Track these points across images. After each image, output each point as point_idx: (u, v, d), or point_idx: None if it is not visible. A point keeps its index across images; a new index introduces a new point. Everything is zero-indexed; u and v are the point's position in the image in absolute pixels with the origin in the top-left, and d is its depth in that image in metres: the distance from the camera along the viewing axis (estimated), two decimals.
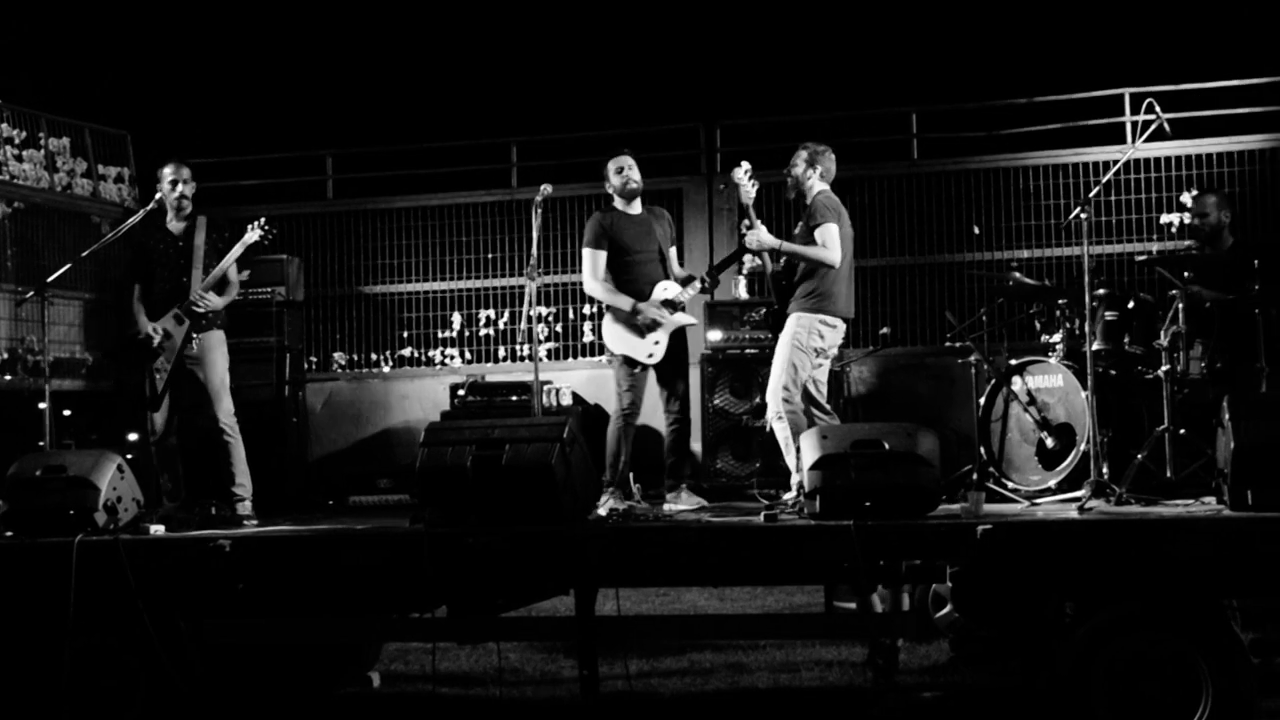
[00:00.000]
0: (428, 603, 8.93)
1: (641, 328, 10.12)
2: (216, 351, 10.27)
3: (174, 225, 10.37)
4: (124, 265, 10.83)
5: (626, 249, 10.24)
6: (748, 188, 9.96)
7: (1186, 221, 12.74)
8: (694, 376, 13.18)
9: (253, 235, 10.30)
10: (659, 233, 10.39)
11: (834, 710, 9.07)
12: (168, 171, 10.36)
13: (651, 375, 10.25)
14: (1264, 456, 7.53)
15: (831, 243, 9.63)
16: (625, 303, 10.10)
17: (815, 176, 9.91)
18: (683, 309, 10.22)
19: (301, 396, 13.98)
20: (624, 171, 10.34)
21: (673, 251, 10.48)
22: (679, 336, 10.29)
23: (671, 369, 10.27)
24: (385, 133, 18.63)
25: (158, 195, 10.39)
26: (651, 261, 10.29)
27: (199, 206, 10.52)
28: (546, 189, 10.25)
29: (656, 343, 10.11)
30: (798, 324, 9.67)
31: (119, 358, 13.21)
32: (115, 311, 14.78)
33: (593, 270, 10.27)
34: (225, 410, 10.21)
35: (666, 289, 10.19)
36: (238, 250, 10.21)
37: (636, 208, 10.42)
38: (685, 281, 10.31)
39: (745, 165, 10.01)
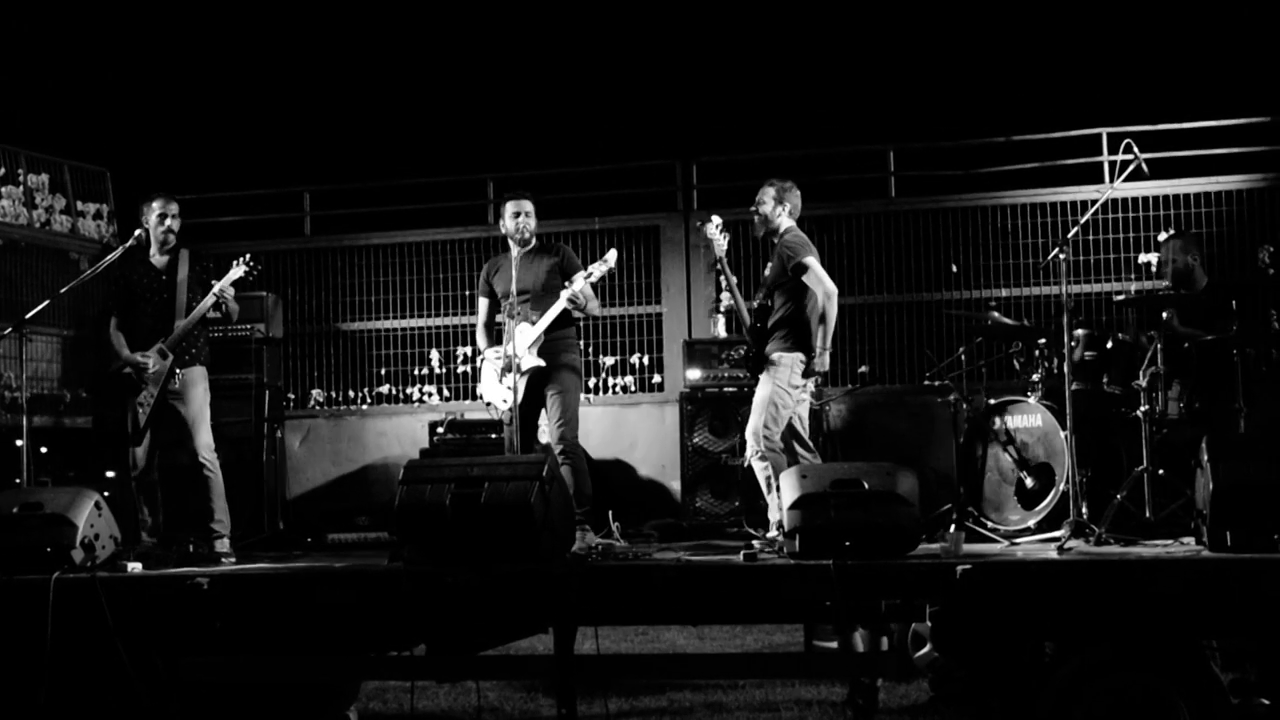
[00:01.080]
0: (406, 641, 8.88)
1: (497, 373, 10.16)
2: (199, 386, 10.23)
3: (157, 259, 10.33)
4: (103, 298, 10.78)
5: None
6: (720, 241, 9.98)
7: (1154, 265, 12.81)
8: (672, 415, 13.25)
9: (238, 271, 10.28)
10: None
11: None
12: (156, 205, 10.32)
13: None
14: (1242, 497, 7.55)
15: (823, 277, 9.63)
16: None
17: (784, 214, 9.89)
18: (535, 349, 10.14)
19: (280, 433, 13.96)
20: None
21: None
22: (541, 377, 10.15)
23: (529, 413, 10.20)
24: (363, 169, 18.61)
25: (138, 231, 10.35)
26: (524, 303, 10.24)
27: (182, 243, 10.49)
28: (510, 208, 10.28)
29: (511, 388, 10.01)
30: (781, 363, 9.66)
31: (100, 392, 13.13)
32: (94, 348, 14.74)
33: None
34: (204, 444, 10.17)
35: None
36: (226, 283, 10.17)
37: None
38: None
39: (716, 220, 10.03)
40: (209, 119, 21.61)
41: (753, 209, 9.98)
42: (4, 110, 17.81)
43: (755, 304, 9.92)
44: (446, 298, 15.32)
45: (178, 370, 10.11)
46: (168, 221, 10.28)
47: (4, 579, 8.53)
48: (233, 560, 9.79)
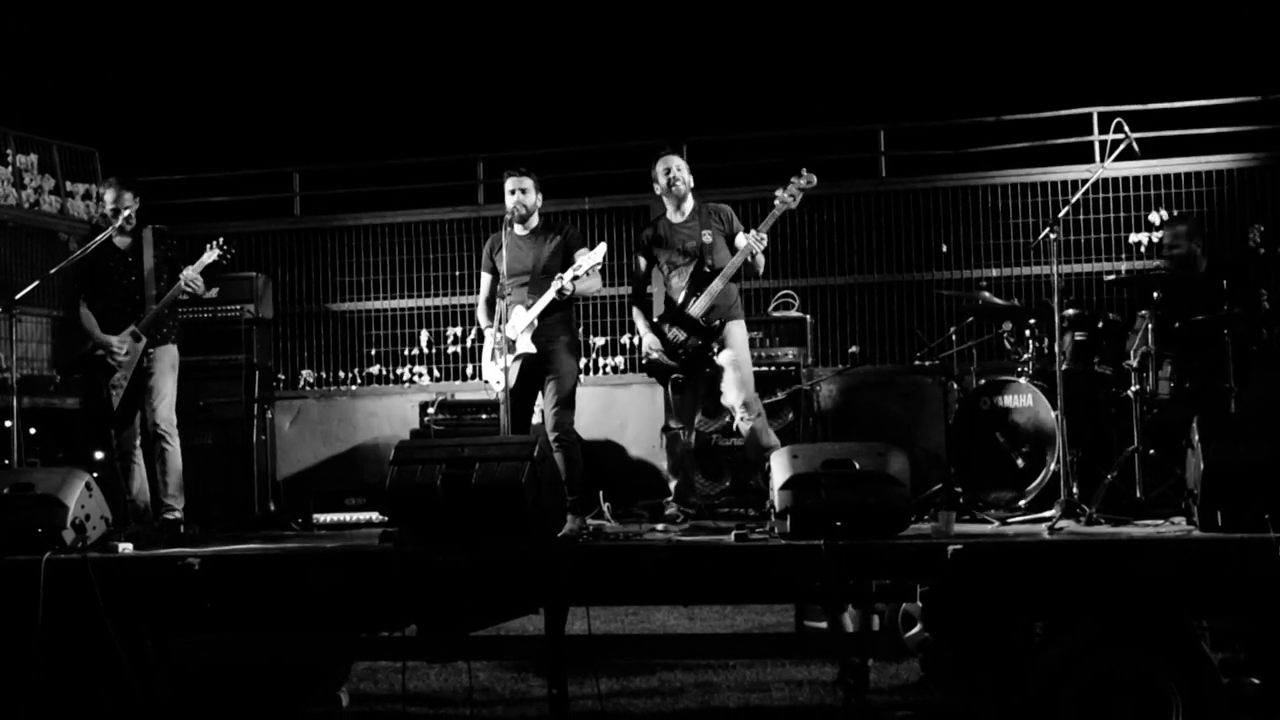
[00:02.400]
0: (397, 621, 8.90)
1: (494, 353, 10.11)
2: (165, 361, 10.17)
3: (119, 240, 10.26)
4: (70, 279, 10.73)
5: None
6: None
7: (1159, 243, 12.80)
8: (660, 397, 13.24)
9: (211, 255, 10.20)
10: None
11: None
12: (108, 197, 10.25)
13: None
14: (1233, 477, 7.56)
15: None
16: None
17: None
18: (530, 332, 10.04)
19: (270, 414, 13.94)
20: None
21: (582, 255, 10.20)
22: (536, 362, 10.06)
23: (524, 397, 10.13)
24: (352, 150, 18.58)
25: (126, 211, 10.32)
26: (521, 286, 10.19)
27: (171, 223, 10.43)
28: (509, 185, 10.22)
29: (504, 369, 9.98)
30: (743, 330, 9.91)
31: (73, 374, 13.09)
32: (81, 328, 14.74)
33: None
34: (164, 417, 10.08)
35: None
36: (196, 270, 10.08)
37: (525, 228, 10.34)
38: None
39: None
40: (198, 99, 21.61)
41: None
42: None
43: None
44: (436, 278, 15.29)
45: (150, 350, 10.08)
46: (123, 214, 10.20)
47: None
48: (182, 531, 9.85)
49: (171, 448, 10.11)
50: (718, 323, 9.81)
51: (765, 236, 9.79)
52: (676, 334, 9.93)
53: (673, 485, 10.03)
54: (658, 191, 10.20)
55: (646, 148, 15.38)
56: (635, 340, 14.36)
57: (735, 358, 9.85)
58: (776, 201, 9.92)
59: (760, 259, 9.89)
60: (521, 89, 21.35)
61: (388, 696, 10.10)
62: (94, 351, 10.10)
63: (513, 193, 10.16)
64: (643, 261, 10.21)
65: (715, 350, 9.83)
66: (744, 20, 21.28)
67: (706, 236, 9.93)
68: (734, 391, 9.81)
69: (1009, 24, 19.90)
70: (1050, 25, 19.75)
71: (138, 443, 10.20)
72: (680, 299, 9.94)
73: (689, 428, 10.04)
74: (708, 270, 9.87)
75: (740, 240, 9.93)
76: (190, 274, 10.06)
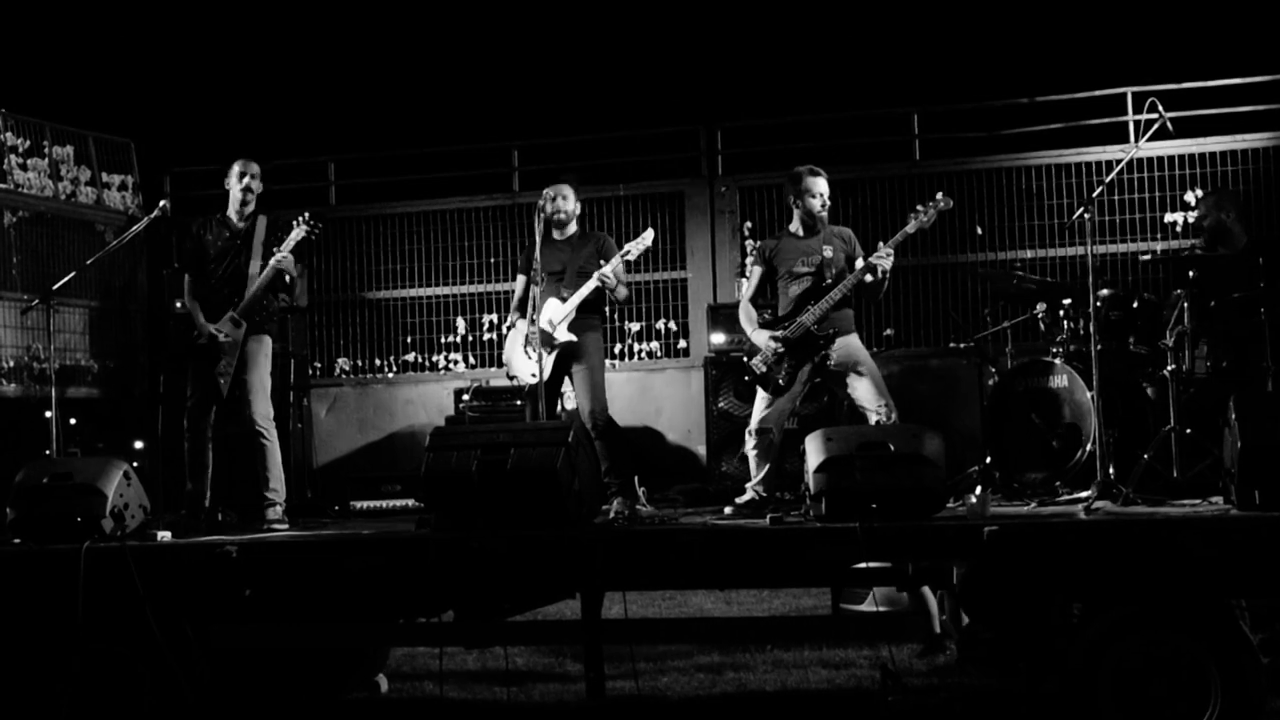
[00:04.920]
0: (434, 607, 8.91)
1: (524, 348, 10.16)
2: (261, 353, 10.10)
3: (234, 223, 10.22)
4: (179, 258, 10.66)
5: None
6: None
7: (1191, 221, 12.76)
8: (698, 380, 13.27)
9: (299, 232, 10.05)
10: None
11: (842, 712, 9.06)
12: (236, 167, 10.14)
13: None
14: (1271, 456, 7.50)
15: None
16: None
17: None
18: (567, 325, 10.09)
19: (306, 402, 14.00)
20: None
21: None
22: (567, 354, 10.12)
23: (553, 387, 10.19)
24: (387, 138, 18.65)
25: (163, 203, 10.34)
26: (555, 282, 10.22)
27: (202, 212, 10.44)
28: (549, 193, 10.25)
29: (539, 360, 10.00)
30: (858, 341, 9.89)
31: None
32: (119, 319, 14.81)
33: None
34: (262, 413, 10.02)
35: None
36: (287, 248, 10.00)
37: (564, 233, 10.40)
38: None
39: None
40: (234, 90, 21.66)
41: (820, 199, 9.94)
42: (28, 82, 17.89)
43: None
44: (471, 265, 15.34)
45: (247, 338, 10.01)
46: (246, 180, 10.12)
47: (35, 549, 8.59)
48: (285, 527, 9.78)
49: (270, 443, 10.03)
50: (831, 332, 9.71)
51: (892, 253, 9.70)
52: (789, 340, 9.77)
53: (762, 474, 9.84)
54: (802, 210, 10.00)
55: (681, 134, 15.53)
56: (668, 326, 14.47)
57: (868, 365, 9.74)
58: (911, 222, 9.82)
59: (882, 277, 9.76)
60: (556, 77, 21.37)
61: (426, 680, 10.13)
62: (197, 340, 10.02)
63: (553, 199, 10.24)
64: (759, 270, 10.13)
65: (832, 360, 9.71)
66: (777, 4, 21.25)
67: (828, 251, 9.87)
68: (873, 396, 9.68)
69: (1042, 4, 19.83)
70: (1083, 5, 19.68)
71: (210, 442, 10.15)
72: (795, 308, 9.82)
73: (779, 430, 9.96)
74: (828, 284, 9.79)
75: (860, 262, 9.84)
76: (281, 254, 10.01)
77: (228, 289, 10.06)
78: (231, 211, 10.21)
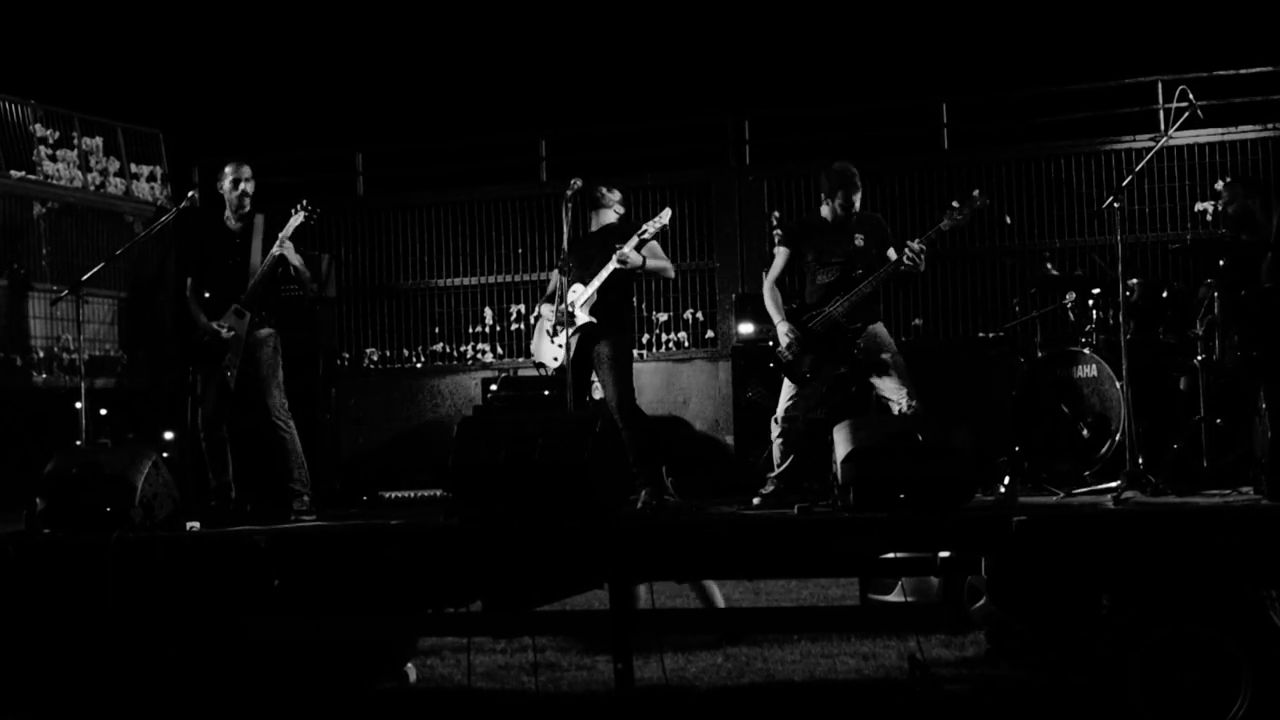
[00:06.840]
0: (462, 598, 8.93)
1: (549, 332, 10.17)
2: (268, 346, 10.13)
3: (232, 223, 10.21)
4: (175, 259, 10.73)
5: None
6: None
7: (1209, 214, 12.73)
8: (725, 370, 13.27)
9: (297, 218, 10.06)
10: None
11: (870, 702, 9.04)
12: (228, 171, 10.15)
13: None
14: None
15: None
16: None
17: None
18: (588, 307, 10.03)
19: (334, 393, 14.01)
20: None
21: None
22: (590, 339, 10.03)
23: (581, 372, 10.12)
24: (415, 129, 18.68)
25: (191, 194, 10.36)
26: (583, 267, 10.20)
27: (255, 207, 10.46)
28: (576, 183, 10.20)
29: (565, 344, 9.99)
30: (885, 331, 9.78)
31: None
32: (148, 309, 14.85)
33: None
34: (276, 405, 10.03)
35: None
36: (286, 234, 10.01)
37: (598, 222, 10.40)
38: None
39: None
40: (262, 81, 21.70)
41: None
42: (57, 74, 17.94)
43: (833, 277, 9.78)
44: (500, 255, 15.35)
45: (253, 333, 10.02)
46: (241, 185, 10.14)
47: (65, 539, 8.61)
48: (313, 518, 9.79)
49: (289, 434, 10.02)
50: (859, 324, 9.64)
51: (925, 248, 9.60)
52: (814, 332, 9.71)
53: (784, 466, 9.80)
54: (833, 205, 9.89)
55: (708, 124, 15.52)
56: (696, 316, 14.47)
57: (893, 355, 9.68)
58: (945, 220, 9.71)
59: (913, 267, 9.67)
60: (583, 66, 21.36)
61: (454, 671, 10.14)
62: (202, 338, 10.03)
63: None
64: (785, 251, 10.05)
65: (859, 350, 9.66)
66: None
67: (859, 240, 9.78)
68: (895, 386, 9.62)
69: None
70: None
71: (225, 434, 10.14)
72: (823, 297, 9.76)
73: (805, 419, 9.91)
74: (857, 274, 9.71)
75: (891, 253, 9.77)
76: (283, 236, 10.00)
77: (231, 286, 10.07)
78: (229, 212, 10.22)
